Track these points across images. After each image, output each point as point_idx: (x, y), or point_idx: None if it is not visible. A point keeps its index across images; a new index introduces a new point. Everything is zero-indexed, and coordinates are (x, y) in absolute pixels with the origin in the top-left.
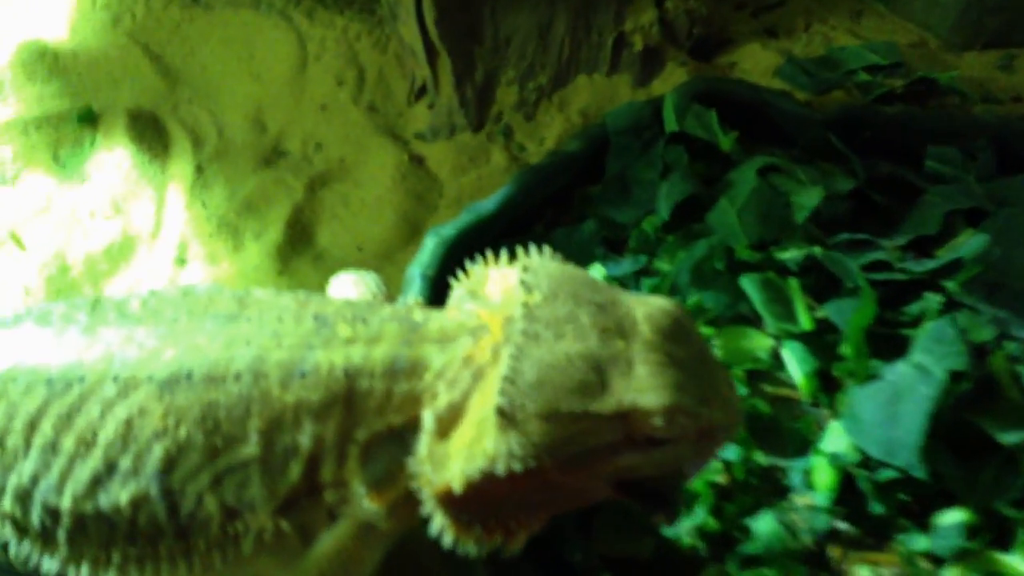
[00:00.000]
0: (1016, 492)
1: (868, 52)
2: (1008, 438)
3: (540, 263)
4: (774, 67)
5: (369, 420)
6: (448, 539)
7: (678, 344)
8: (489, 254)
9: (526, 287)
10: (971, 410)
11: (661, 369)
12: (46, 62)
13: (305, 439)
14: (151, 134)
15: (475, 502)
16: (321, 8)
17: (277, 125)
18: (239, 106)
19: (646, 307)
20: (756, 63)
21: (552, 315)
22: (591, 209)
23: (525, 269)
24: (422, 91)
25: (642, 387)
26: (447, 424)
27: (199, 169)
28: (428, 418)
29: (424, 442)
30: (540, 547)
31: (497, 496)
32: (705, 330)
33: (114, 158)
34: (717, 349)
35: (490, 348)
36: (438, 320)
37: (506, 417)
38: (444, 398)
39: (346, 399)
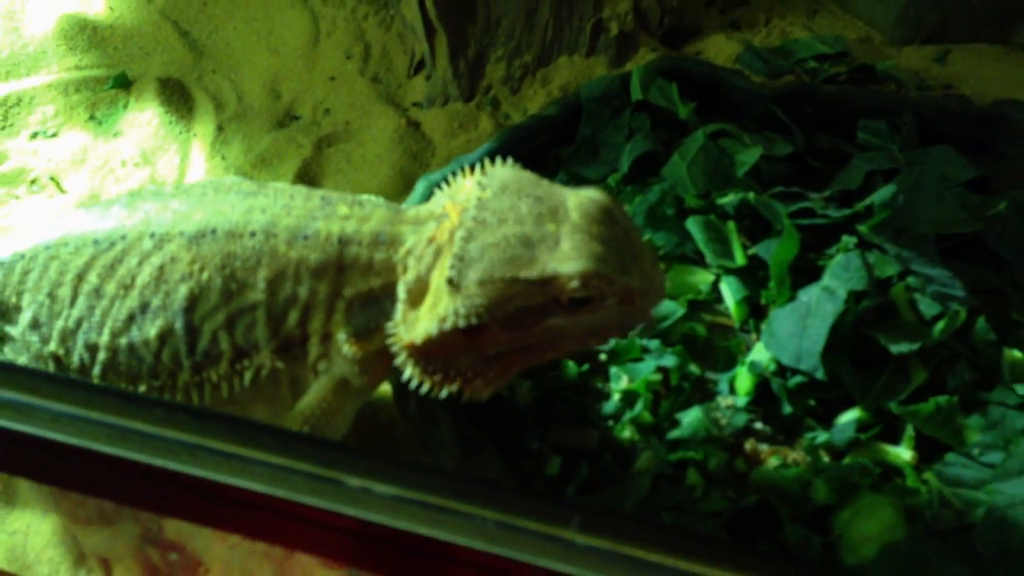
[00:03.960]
0: (904, 394)
1: (817, 43)
2: (899, 348)
3: (497, 169)
4: (735, 55)
5: (355, 280)
6: (414, 383)
7: (603, 226)
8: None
9: (481, 186)
10: (871, 327)
11: (582, 244)
12: (86, 34)
13: (303, 290)
14: (178, 98)
15: (437, 355)
16: None
17: (291, 93)
18: (257, 76)
19: (578, 198)
20: (720, 51)
21: (498, 206)
22: (564, 166)
23: (483, 173)
24: (420, 65)
25: (563, 257)
26: (416, 295)
27: (220, 128)
28: (401, 289)
29: (399, 310)
30: (504, 435)
31: (454, 350)
32: None
33: (144, 117)
34: (667, 282)
35: (448, 231)
36: (415, 209)
37: (453, 285)
38: (412, 271)
39: (338, 261)
